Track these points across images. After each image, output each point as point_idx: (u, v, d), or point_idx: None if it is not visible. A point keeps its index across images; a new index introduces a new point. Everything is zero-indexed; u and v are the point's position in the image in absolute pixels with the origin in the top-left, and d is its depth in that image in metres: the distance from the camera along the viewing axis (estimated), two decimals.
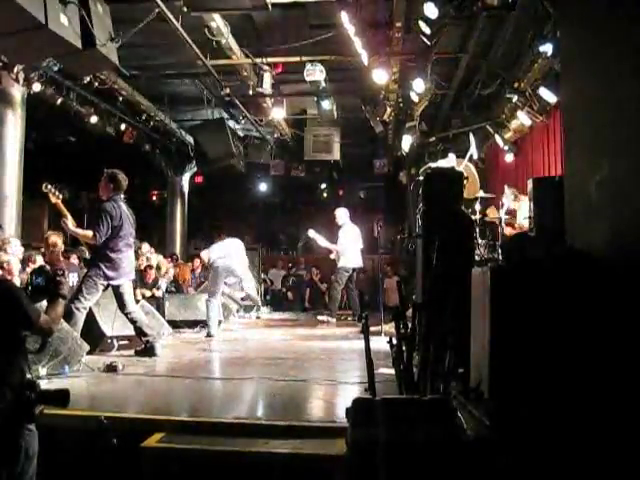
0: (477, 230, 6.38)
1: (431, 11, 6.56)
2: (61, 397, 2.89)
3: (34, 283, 3.12)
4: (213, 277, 8.62)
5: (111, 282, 6.16)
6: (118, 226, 6.15)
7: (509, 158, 10.39)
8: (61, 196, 6.12)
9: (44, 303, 3.16)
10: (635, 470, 2.39)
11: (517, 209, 7.76)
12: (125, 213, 6.28)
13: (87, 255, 6.50)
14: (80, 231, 6.16)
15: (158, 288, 9.79)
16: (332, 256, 10.21)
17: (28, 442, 2.82)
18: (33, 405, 2.80)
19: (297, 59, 8.57)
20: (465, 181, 5.94)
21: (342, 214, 10.31)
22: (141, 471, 3.33)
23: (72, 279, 7.03)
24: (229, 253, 8.63)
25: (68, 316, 5.74)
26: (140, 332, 6.31)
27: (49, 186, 6.04)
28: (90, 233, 6.05)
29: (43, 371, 4.92)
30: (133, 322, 6.30)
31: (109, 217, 6.09)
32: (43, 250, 7.49)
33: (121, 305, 6.27)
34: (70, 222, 6.08)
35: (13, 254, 6.21)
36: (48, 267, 3.30)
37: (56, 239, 7.41)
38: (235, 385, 5.07)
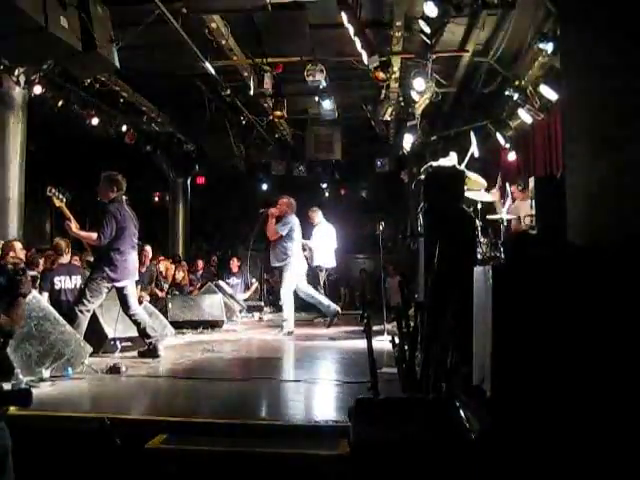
0: (479, 228, 6.36)
1: (431, 10, 6.57)
2: (23, 397, 2.86)
3: None
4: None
5: (115, 284, 6.17)
6: (122, 227, 6.16)
7: (510, 156, 10.37)
8: (65, 199, 6.16)
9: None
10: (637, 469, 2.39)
11: (523, 200, 7.71)
12: (128, 214, 6.31)
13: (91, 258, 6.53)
14: (84, 233, 6.20)
15: (162, 290, 9.81)
16: (305, 254, 10.09)
17: None
18: None
19: (297, 59, 8.57)
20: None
21: (317, 214, 10.41)
22: (145, 472, 3.34)
23: (75, 281, 7.04)
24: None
25: (72, 319, 5.75)
26: (143, 333, 6.30)
27: (53, 190, 6.09)
28: (94, 235, 6.06)
29: (46, 373, 4.92)
30: (137, 323, 6.29)
31: (113, 219, 6.10)
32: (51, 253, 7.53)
33: (125, 306, 6.26)
34: (74, 225, 6.11)
35: (18, 256, 6.31)
36: (10, 266, 3.20)
37: (59, 241, 7.42)
38: (237, 386, 5.07)
